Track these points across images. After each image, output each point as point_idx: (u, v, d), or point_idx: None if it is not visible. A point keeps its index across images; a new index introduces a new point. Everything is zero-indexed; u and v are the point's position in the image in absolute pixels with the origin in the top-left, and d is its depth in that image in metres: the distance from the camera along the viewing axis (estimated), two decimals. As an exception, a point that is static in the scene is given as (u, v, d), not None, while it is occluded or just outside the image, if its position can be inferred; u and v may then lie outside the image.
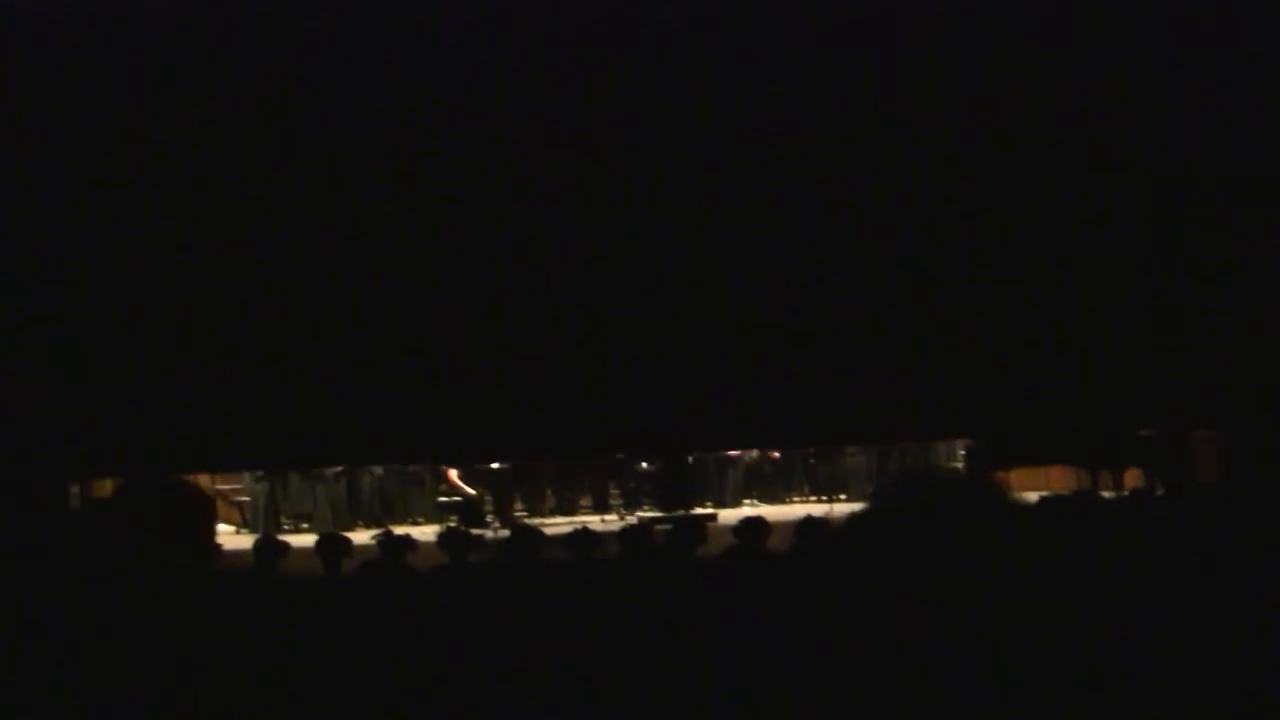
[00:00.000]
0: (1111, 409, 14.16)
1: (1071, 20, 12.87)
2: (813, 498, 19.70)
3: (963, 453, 19.06)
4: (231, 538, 16.22)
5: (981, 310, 13.49)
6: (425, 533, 14.36)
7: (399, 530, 12.98)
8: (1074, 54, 12.99)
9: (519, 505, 18.89)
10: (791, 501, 19.57)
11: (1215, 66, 12.97)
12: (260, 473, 18.25)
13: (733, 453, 19.66)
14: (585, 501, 19.31)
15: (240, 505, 18.38)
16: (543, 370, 13.24)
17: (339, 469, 18.50)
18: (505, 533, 13.78)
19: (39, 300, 12.62)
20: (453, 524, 15.70)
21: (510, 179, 12.94)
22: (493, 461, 18.39)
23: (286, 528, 17.70)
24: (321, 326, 13.05)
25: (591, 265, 13.19)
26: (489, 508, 18.55)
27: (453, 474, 18.54)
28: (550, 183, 12.98)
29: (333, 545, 10.70)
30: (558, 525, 14.41)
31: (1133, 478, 16.25)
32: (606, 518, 17.76)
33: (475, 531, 13.41)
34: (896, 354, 13.42)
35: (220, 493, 16.78)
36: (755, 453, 19.92)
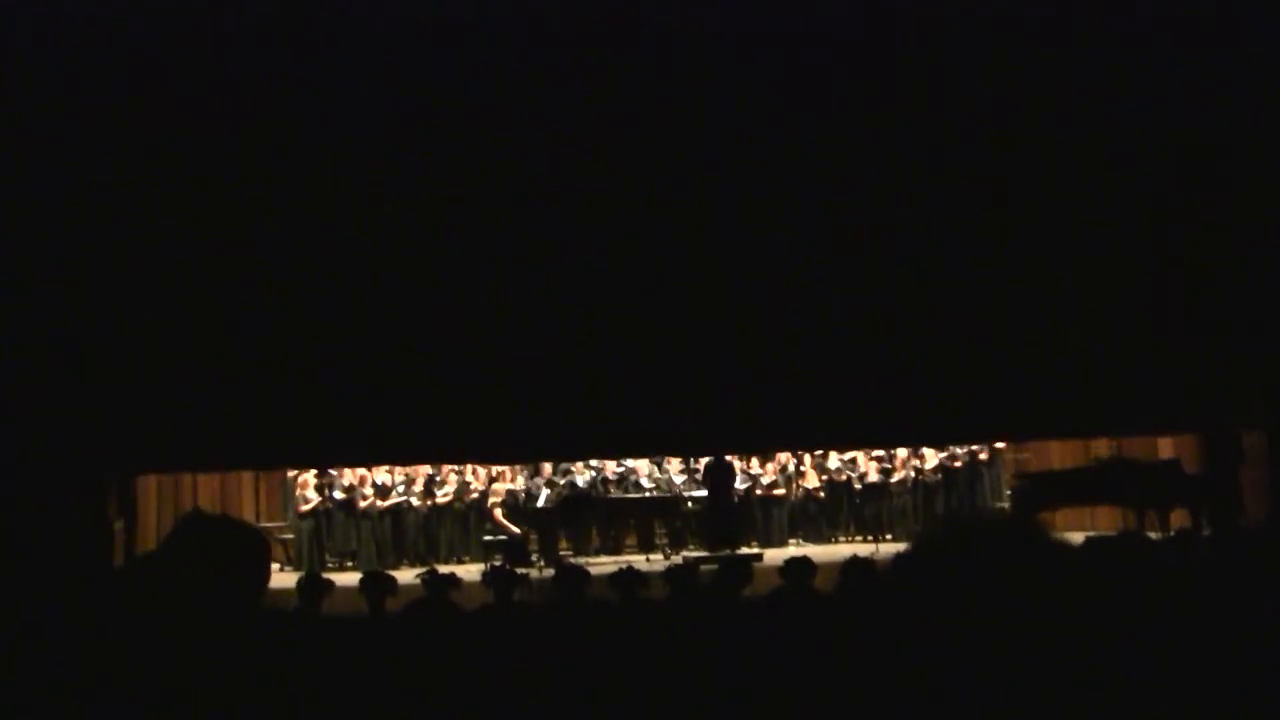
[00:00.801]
0: (1123, 412, 14.14)
1: (1071, 20, 12.79)
2: (858, 538, 19.67)
3: (1008, 493, 19.04)
4: (275, 575, 16.26)
5: (993, 315, 13.47)
6: (470, 571, 14.39)
7: (443, 568, 13.00)
8: (1074, 54, 12.93)
9: (564, 544, 18.90)
10: (837, 541, 19.54)
11: (1216, 66, 12.88)
12: (305, 509, 18.36)
13: (779, 492, 19.66)
14: (631, 540, 19.31)
15: (285, 542, 18.45)
16: (561, 371, 13.28)
17: (384, 506, 18.58)
18: (550, 572, 13.79)
19: (45, 302, 12.72)
20: (497, 562, 15.73)
21: (541, 182, 12.98)
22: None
23: (331, 565, 17.76)
24: (352, 328, 13.12)
25: (606, 266, 13.20)
26: (534, 546, 18.57)
27: (498, 512, 18.56)
28: (559, 186, 13.01)
29: (377, 583, 10.69)
30: (603, 564, 14.42)
31: (1179, 518, 16.17)
32: (652, 557, 17.75)
33: (520, 570, 13.40)
34: (909, 359, 13.40)
35: (265, 530, 16.84)
36: (801, 492, 19.91)
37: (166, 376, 12.91)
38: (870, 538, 19.38)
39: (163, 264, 12.86)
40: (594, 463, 19.52)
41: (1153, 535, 14.09)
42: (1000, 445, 20.01)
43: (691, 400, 13.40)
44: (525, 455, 17.65)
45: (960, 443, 19.19)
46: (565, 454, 17.87)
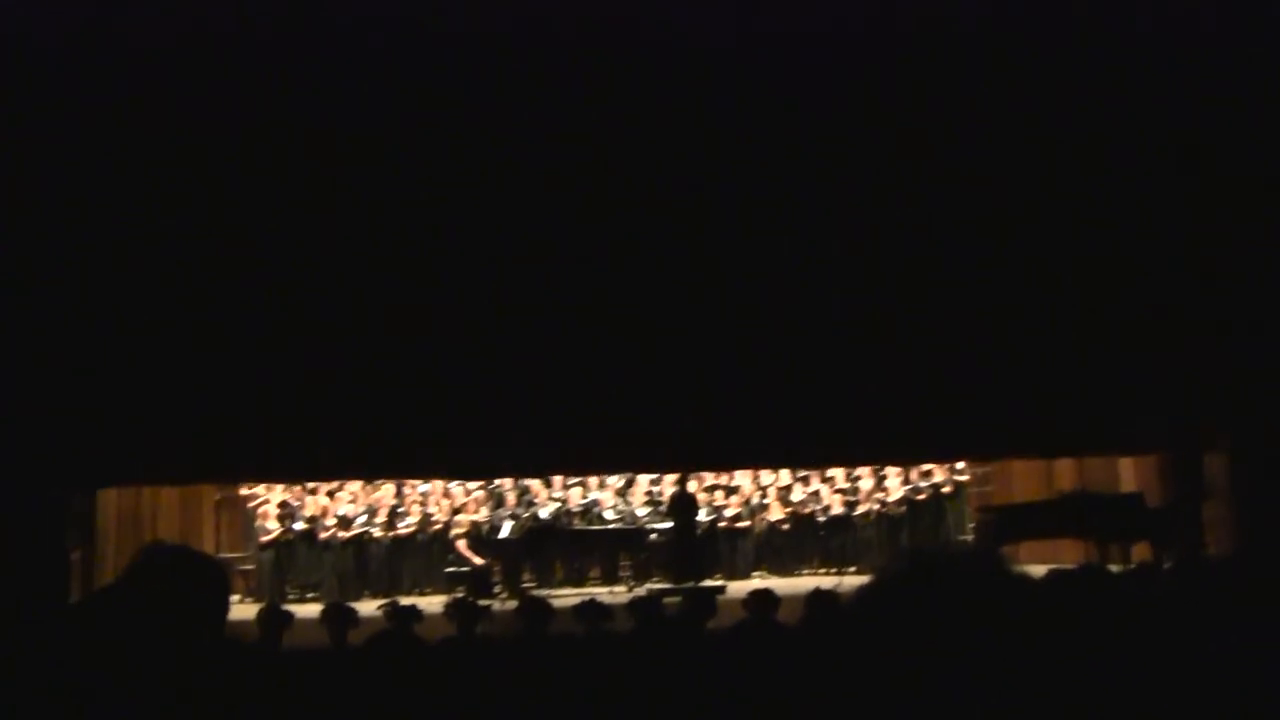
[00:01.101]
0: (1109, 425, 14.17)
1: (1071, 20, 12.78)
2: (822, 570, 19.67)
3: (972, 526, 19.08)
4: (236, 607, 16.20)
5: (961, 333, 13.48)
6: (433, 603, 14.33)
7: (406, 600, 12.95)
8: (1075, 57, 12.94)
9: (528, 575, 18.85)
10: (801, 574, 19.53)
11: (1217, 67, 12.89)
12: (266, 540, 18.27)
13: (743, 524, 19.66)
14: (595, 573, 19.27)
15: (245, 574, 18.35)
16: (553, 383, 13.24)
17: (346, 536, 18.50)
18: (513, 604, 13.75)
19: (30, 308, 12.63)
20: (460, 594, 15.67)
21: (521, 185, 12.93)
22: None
23: (292, 597, 17.67)
24: (321, 339, 13.05)
25: (603, 271, 13.17)
26: (498, 578, 18.52)
27: (461, 544, 18.51)
28: (551, 189, 12.97)
29: (339, 615, 10.65)
30: (567, 596, 14.38)
31: (1142, 551, 16.22)
32: (616, 589, 17.72)
33: (483, 602, 13.35)
34: (875, 378, 13.41)
35: (226, 561, 16.75)
36: (765, 524, 19.91)
37: (126, 388, 12.81)
38: (834, 570, 19.38)
39: (124, 273, 12.77)
40: (558, 494, 19.53)
41: (1114, 568, 14.12)
42: (964, 478, 20.07)
43: (675, 416, 13.40)
44: (496, 471, 17.69)
45: (921, 461, 19.25)
46: (538, 473, 18.00)
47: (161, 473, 14.83)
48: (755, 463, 18.66)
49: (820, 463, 19.17)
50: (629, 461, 16.87)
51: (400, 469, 16.75)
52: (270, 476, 17.63)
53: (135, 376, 12.80)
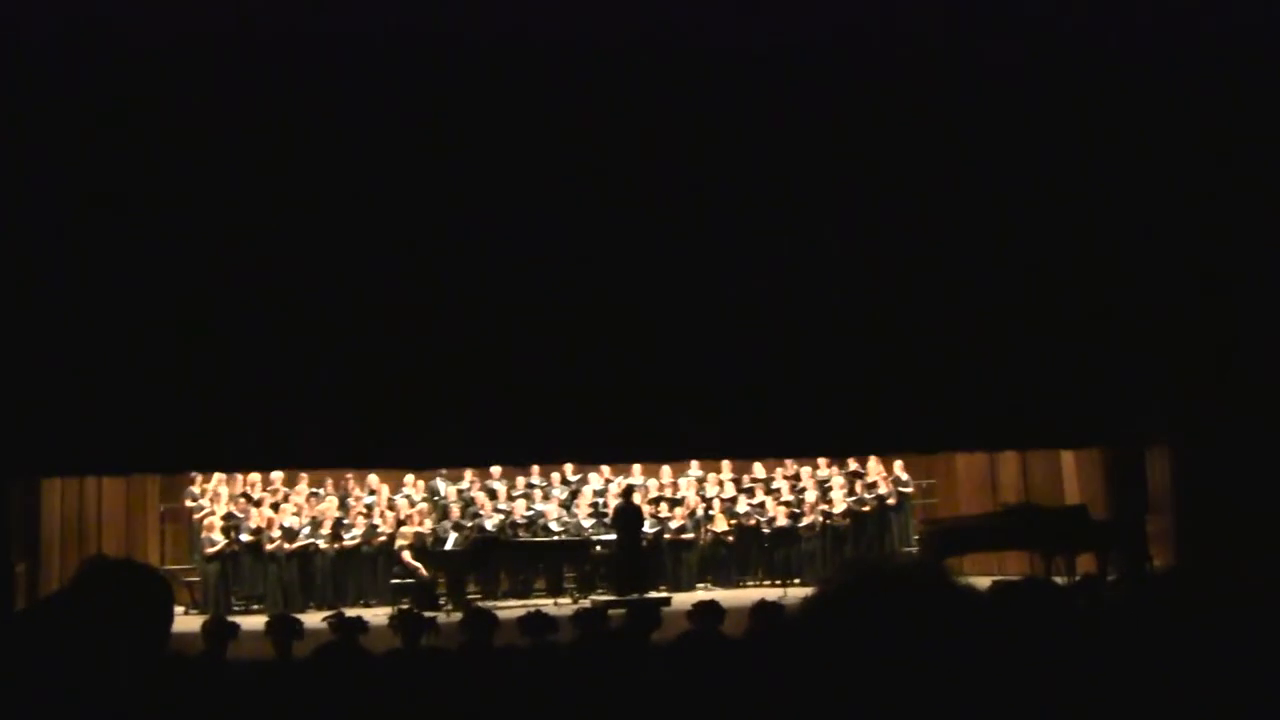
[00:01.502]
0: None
1: (1070, 20, 12.81)
2: (767, 582, 19.68)
3: (916, 538, 19.15)
4: (182, 619, 16.06)
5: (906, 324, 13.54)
6: (378, 615, 14.28)
7: (351, 612, 12.89)
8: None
9: (473, 587, 18.80)
10: (746, 586, 19.55)
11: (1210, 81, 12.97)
12: (211, 551, 18.15)
13: (688, 536, 19.68)
14: (539, 584, 19.23)
15: (191, 585, 18.23)
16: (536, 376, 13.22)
17: (291, 548, 18.40)
18: (458, 615, 13.70)
19: None
20: (405, 606, 15.61)
21: (505, 183, 12.92)
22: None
23: (237, 608, 17.59)
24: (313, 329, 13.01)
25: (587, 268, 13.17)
26: (442, 590, 18.46)
27: (406, 555, 18.45)
28: (540, 191, 12.97)
29: (284, 627, 10.60)
30: (511, 608, 14.35)
31: (1086, 563, 16.31)
32: (560, 601, 17.69)
33: (428, 614, 13.30)
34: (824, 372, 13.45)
35: (171, 573, 16.64)
36: (709, 536, 19.93)
37: (72, 375, 12.73)
38: (779, 582, 19.39)
39: (76, 257, 12.69)
40: (503, 505, 19.48)
41: (1059, 581, 14.20)
42: (909, 490, 20.12)
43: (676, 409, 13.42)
44: (438, 461, 17.72)
45: (862, 453, 19.32)
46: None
47: (109, 461, 14.68)
48: (719, 454, 18.81)
49: (785, 454, 19.29)
50: (594, 452, 16.91)
51: (372, 460, 16.71)
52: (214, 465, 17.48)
53: (77, 363, 12.73)
